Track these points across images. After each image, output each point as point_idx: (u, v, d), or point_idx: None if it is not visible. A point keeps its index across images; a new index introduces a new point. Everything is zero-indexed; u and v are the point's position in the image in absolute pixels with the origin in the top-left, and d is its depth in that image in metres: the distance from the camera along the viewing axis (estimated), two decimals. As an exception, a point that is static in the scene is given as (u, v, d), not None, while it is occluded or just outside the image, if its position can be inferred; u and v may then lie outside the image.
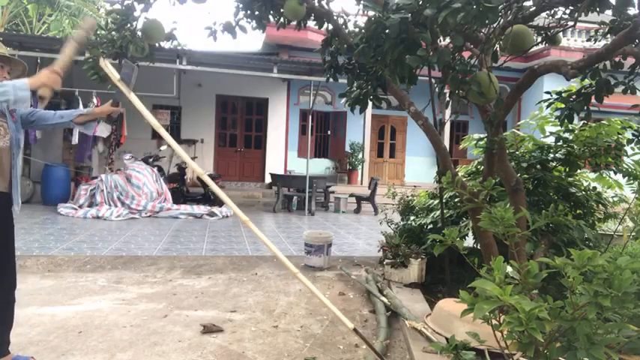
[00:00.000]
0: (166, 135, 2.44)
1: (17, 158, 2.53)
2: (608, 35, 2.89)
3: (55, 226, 7.39)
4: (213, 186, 2.45)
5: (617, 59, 2.76)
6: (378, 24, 2.03)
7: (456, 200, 4.46)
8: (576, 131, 3.91)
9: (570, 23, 2.87)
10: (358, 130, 14.76)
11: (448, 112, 13.45)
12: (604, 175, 4.24)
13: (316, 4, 3.27)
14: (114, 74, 2.39)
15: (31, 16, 16.06)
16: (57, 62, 2.32)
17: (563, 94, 2.98)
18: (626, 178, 4.00)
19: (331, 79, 3.54)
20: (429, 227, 4.81)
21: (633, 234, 4.14)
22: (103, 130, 10.23)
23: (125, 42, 3.19)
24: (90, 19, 2.62)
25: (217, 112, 14.15)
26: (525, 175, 3.96)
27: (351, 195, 11.89)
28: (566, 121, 2.90)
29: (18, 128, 2.54)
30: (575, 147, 3.93)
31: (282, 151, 14.41)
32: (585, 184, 4.22)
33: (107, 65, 2.44)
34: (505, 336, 1.63)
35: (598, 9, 2.46)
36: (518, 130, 4.38)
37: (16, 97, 2.15)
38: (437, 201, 4.69)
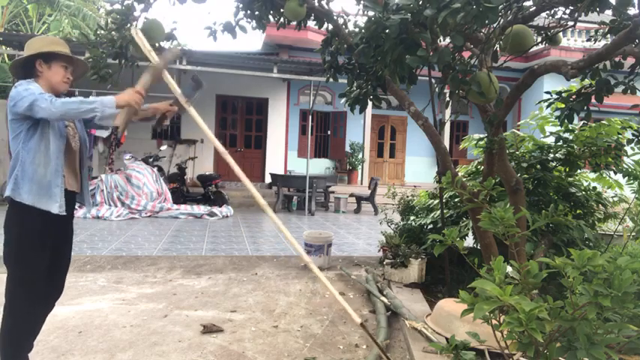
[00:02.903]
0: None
1: (86, 158, 2.48)
2: (608, 35, 2.89)
3: (55, 226, 7.37)
4: (234, 165, 2.41)
5: (617, 59, 2.76)
6: (378, 24, 2.03)
7: (456, 200, 4.46)
8: (576, 131, 3.91)
9: (570, 23, 2.86)
10: (358, 130, 14.76)
11: (448, 112, 13.48)
12: (604, 175, 4.24)
13: (316, 4, 3.27)
14: (155, 58, 2.36)
15: (31, 16, 16.07)
16: (139, 83, 2.29)
17: (563, 94, 2.98)
18: (626, 178, 4.00)
19: (331, 79, 3.54)
20: (429, 227, 4.81)
21: (633, 234, 4.14)
22: (102, 130, 10.23)
23: (125, 42, 3.19)
24: (176, 49, 2.53)
25: (217, 112, 14.16)
26: (525, 175, 3.96)
27: (351, 195, 11.89)
28: (566, 121, 2.90)
29: (83, 127, 2.48)
30: (575, 147, 3.93)
31: (282, 151, 14.41)
32: (585, 184, 4.22)
33: (140, 36, 2.38)
34: (505, 336, 1.63)
35: (598, 9, 2.46)
36: (518, 130, 4.38)
37: (102, 113, 2.12)
38: (437, 201, 4.69)
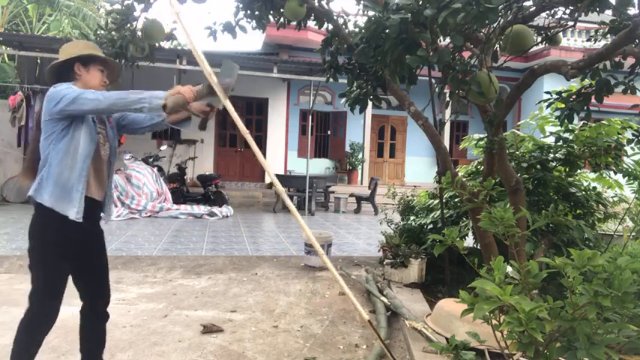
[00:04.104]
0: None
1: (113, 167, 2.42)
2: (608, 35, 2.89)
3: (55, 226, 7.36)
4: (258, 154, 2.38)
5: (617, 59, 2.76)
6: (378, 24, 2.03)
7: (456, 200, 4.46)
8: (576, 131, 3.91)
9: (570, 23, 2.86)
10: (358, 130, 14.76)
11: (448, 112, 13.48)
12: (604, 175, 4.24)
13: (316, 4, 3.27)
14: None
15: (31, 16, 16.06)
16: (196, 87, 2.22)
17: (563, 94, 2.98)
18: (626, 178, 4.00)
19: (331, 79, 3.54)
20: (429, 227, 4.81)
21: (633, 234, 4.15)
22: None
23: (125, 42, 3.20)
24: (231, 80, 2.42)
25: (217, 112, 14.14)
26: (525, 175, 3.96)
27: (351, 195, 11.89)
28: (566, 121, 2.90)
29: (114, 135, 2.41)
30: (575, 147, 3.93)
31: (282, 151, 14.41)
32: (585, 184, 4.22)
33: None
34: (505, 336, 1.63)
35: (598, 9, 2.46)
36: (518, 130, 4.38)
37: (150, 105, 2.04)
38: (437, 201, 4.69)
